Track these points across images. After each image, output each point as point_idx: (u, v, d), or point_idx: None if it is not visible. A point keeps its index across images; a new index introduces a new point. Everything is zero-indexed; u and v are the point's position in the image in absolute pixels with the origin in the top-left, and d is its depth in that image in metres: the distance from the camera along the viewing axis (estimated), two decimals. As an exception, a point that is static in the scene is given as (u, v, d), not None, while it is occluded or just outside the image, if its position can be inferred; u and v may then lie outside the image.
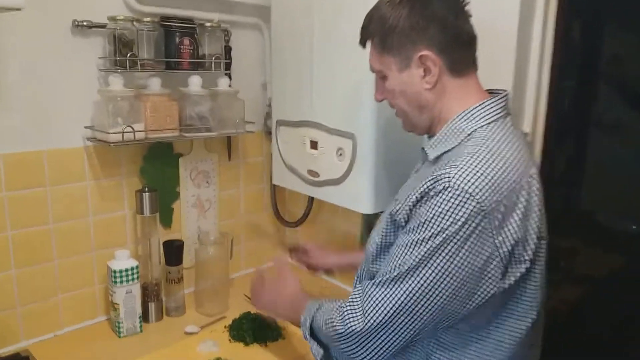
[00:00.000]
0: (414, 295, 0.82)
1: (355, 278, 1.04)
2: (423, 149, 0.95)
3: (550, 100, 1.20)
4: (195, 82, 1.41)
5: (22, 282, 1.28)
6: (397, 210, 0.88)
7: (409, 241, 0.83)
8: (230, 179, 1.66)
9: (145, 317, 1.44)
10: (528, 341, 0.89)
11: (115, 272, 1.32)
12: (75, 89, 1.30)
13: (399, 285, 0.83)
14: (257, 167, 1.72)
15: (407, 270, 0.82)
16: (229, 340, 1.35)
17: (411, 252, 0.82)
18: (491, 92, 0.92)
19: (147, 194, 1.39)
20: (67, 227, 1.34)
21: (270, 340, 1.34)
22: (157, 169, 1.48)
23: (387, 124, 1.21)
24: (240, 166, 1.68)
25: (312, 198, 1.65)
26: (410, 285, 0.82)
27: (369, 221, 1.53)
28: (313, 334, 0.98)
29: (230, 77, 1.51)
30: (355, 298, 0.90)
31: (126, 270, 1.33)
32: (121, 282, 1.33)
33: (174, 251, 1.46)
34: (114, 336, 1.37)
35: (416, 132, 0.98)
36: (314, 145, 1.35)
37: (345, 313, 0.90)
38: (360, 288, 0.91)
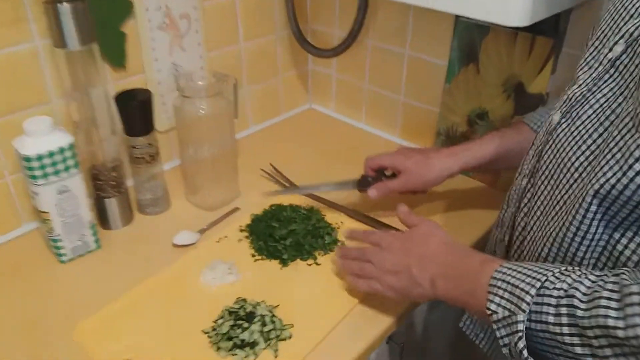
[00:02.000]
0: None
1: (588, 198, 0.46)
2: None
3: None
4: None
5: None
6: None
7: None
8: (217, -24, 0.96)
9: (103, 221, 0.87)
10: None
11: (29, 159, 0.71)
12: None
13: None
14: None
15: None
16: (252, 256, 0.80)
17: None
18: None
19: (66, 5, 0.71)
20: None
21: (326, 249, 0.80)
22: (80, -45, 0.78)
23: None
24: (231, -48, 0.97)
25: (366, 3, 0.98)
26: None
27: (468, 41, 0.89)
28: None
29: None
30: None
31: (50, 154, 0.72)
32: (45, 175, 0.72)
33: (136, 110, 0.83)
34: (53, 261, 0.80)
35: None
36: None
37: None
38: None
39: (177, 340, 0.66)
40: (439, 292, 0.58)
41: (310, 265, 0.77)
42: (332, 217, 0.86)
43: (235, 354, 0.63)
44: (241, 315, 0.67)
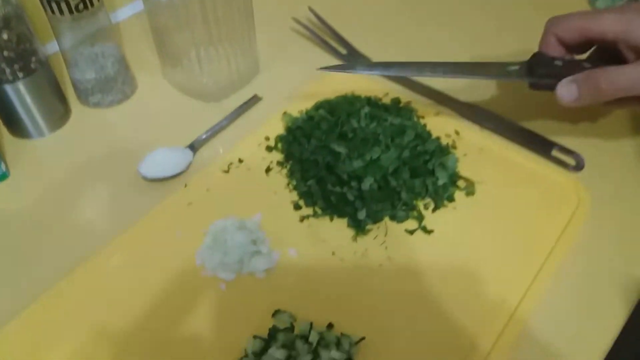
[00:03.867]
0: None
1: None
2: None
3: None
4: None
5: None
6: None
7: None
8: None
9: (11, 126, 0.47)
10: None
11: None
12: None
13: None
14: None
15: None
16: (296, 208, 0.41)
17: None
18: None
19: None
20: None
21: (439, 197, 0.41)
22: None
23: None
24: None
25: None
26: None
27: None
28: None
29: None
30: None
31: None
32: None
33: None
34: None
35: None
36: None
37: None
38: None
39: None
40: None
41: (411, 232, 0.39)
42: (438, 123, 0.46)
43: None
44: (291, 381, 0.31)
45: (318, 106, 0.46)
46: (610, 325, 0.34)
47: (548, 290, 0.36)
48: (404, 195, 0.40)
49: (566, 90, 0.38)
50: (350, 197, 0.39)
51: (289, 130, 0.45)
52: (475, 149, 0.44)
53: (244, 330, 0.34)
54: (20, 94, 0.45)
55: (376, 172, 0.40)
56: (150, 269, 0.37)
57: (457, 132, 0.46)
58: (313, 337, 0.33)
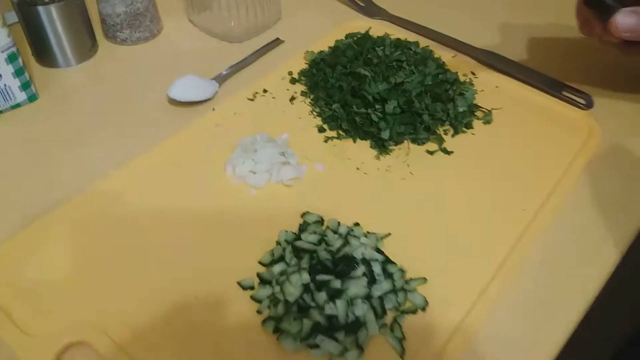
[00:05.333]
0: None
1: None
2: None
3: None
4: None
5: None
6: None
7: None
8: None
9: (40, 53, 0.49)
10: None
11: None
12: None
13: None
14: None
15: None
16: (320, 131, 0.43)
17: None
18: None
19: None
20: None
21: (458, 123, 0.43)
22: None
23: None
24: None
25: None
26: None
27: None
28: None
29: None
30: None
31: None
32: None
33: None
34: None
35: None
36: None
37: None
38: None
39: (184, 299, 0.32)
40: None
41: (432, 153, 0.41)
42: (455, 64, 0.48)
43: (317, 346, 0.29)
44: (324, 260, 0.32)
45: (341, 42, 0.48)
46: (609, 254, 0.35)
47: (561, 207, 0.37)
48: (425, 118, 0.41)
49: (625, 19, 0.38)
50: (375, 117, 0.41)
51: (312, 63, 0.47)
52: (491, 87, 0.47)
53: (275, 229, 0.35)
54: (52, 19, 0.46)
55: (400, 95, 0.41)
56: (180, 179, 0.39)
57: (472, 73, 0.48)
58: (342, 230, 0.34)
